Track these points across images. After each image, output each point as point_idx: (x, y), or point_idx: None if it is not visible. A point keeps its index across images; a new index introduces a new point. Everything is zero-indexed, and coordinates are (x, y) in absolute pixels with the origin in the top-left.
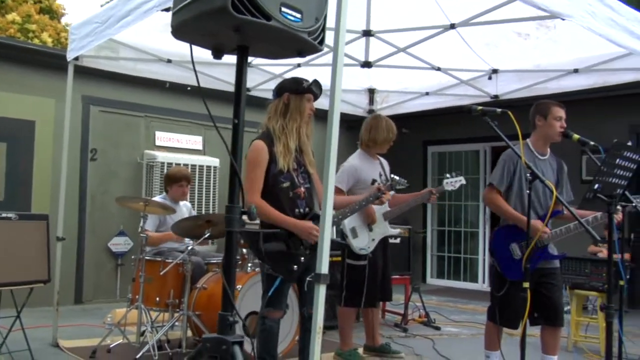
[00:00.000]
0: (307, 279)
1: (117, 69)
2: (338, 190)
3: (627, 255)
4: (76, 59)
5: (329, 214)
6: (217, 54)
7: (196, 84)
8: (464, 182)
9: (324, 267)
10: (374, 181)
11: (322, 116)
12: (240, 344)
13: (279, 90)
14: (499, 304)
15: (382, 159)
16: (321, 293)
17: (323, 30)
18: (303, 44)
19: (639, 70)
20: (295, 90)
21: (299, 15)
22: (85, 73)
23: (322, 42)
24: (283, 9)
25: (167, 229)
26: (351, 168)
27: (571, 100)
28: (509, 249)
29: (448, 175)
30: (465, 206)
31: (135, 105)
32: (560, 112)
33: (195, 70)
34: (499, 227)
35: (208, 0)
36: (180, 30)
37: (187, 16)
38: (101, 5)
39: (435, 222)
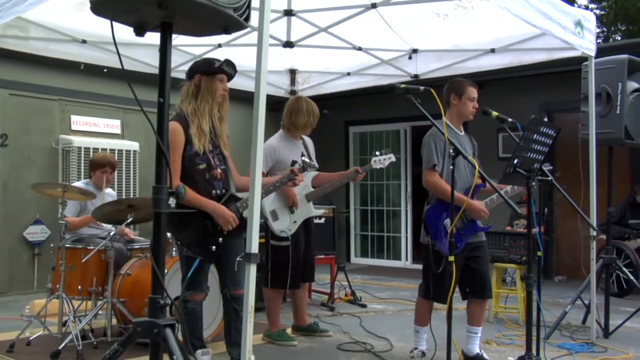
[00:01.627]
0: (237, 259)
1: (28, 49)
2: None
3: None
4: None
5: (257, 197)
6: (140, 31)
7: (113, 65)
8: (393, 159)
9: (254, 247)
10: (294, 162)
11: (243, 98)
12: (172, 326)
13: (191, 72)
14: (434, 280)
15: (306, 139)
16: (252, 272)
17: (248, 6)
18: (228, 20)
19: (551, 50)
20: (206, 72)
21: None
22: None
23: (247, 18)
24: None
25: (88, 214)
26: (270, 148)
27: (487, 80)
28: (443, 224)
29: (377, 153)
30: (387, 185)
31: (48, 88)
32: (474, 93)
33: (118, 51)
34: (431, 206)
35: None
36: (100, 6)
37: None
38: None
39: (358, 201)
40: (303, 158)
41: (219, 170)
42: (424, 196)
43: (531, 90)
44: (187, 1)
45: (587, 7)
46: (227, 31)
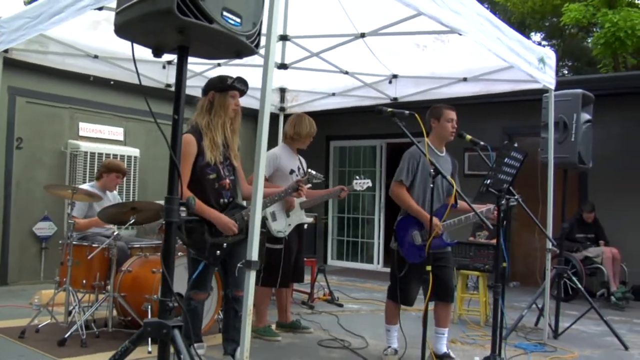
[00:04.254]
0: (238, 265)
1: (46, 62)
2: None
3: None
4: (5, 51)
5: (258, 206)
6: (157, 53)
7: (119, 78)
8: (370, 184)
9: (254, 254)
10: (292, 171)
11: (245, 113)
12: (180, 327)
13: (206, 89)
14: (399, 284)
15: (300, 157)
16: (251, 278)
17: (259, 34)
18: (241, 46)
19: (516, 82)
20: (219, 88)
21: (238, 20)
22: (12, 65)
23: (258, 45)
24: (224, 13)
25: (93, 215)
26: (272, 155)
27: (460, 104)
28: (411, 235)
29: (357, 177)
30: (363, 195)
31: (60, 97)
32: (452, 115)
33: (137, 70)
34: (403, 217)
35: (153, 1)
36: (123, 29)
37: (131, 16)
38: (25, 3)
39: (336, 209)
40: (309, 170)
41: (227, 181)
42: (396, 206)
43: (496, 115)
44: (205, 28)
45: (540, 43)
46: (239, 56)
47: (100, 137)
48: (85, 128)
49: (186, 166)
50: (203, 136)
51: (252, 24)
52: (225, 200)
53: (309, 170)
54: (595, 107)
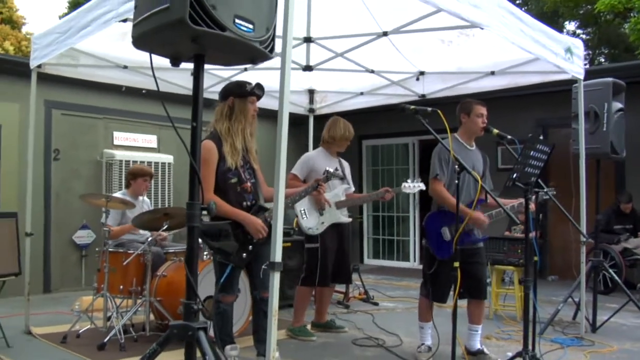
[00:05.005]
0: (263, 267)
1: (77, 75)
2: (294, 177)
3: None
4: (39, 66)
5: (280, 208)
6: (175, 62)
7: (150, 88)
8: (423, 187)
9: (277, 256)
10: (326, 171)
11: (268, 115)
12: (205, 329)
13: (225, 94)
14: (430, 281)
15: (343, 161)
16: (276, 280)
17: (273, 39)
18: (255, 52)
19: (544, 73)
20: (239, 94)
21: (251, 26)
22: (47, 79)
23: (272, 50)
24: (237, 21)
25: (127, 222)
26: (306, 158)
27: (488, 99)
28: (440, 231)
29: (408, 180)
30: (397, 193)
31: (94, 108)
32: (482, 110)
33: (154, 76)
34: (432, 213)
35: (167, 13)
36: (140, 41)
37: (147, 28)
38: (59, 17)
39: (371, 208)
40: (327, 168)
41: (248, 184)
42: (430, 204)
43: (528, 108)
44: (218, 36)
45: (574, 32)
46: (254, 62)
47: (135, 145)
48: (120, 137)
49: (210, 172)
50: (223, 142)
51: (265, 29)
52: (248, 203)
53: (327, 168)
54: (629, 95)
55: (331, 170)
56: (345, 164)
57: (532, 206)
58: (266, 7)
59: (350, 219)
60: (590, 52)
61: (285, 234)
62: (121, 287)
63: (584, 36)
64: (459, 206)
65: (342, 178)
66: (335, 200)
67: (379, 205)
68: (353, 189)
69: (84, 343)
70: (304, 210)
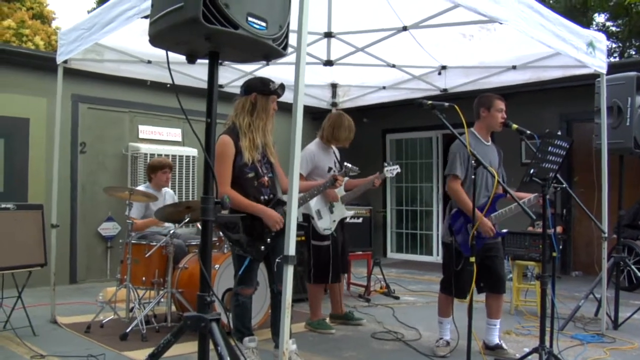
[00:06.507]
0: (277, 260)
1: (103, 69)
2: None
3: (559, 229)
4: (65, 61)
5: (294, 202)
6: (191, 59)
7: (174, 83)
8: (399, 170)
9: (291, 250)
10: (329, 169)
11: (288, 108)
12: (217, 320)
13: (248, 89)
14: (455, 277)
15: (335, 150)
16: (289, 273)
17: (286, 36)
18: (268, 50)
19: (566, 68)
20: (262, 91)
21: (264, 24)
22: (73, 74)
23: (285, 47)
24: (249, 19)
25: (150, 214)
26: (310, 154)
27: (510, 93)
28: (466, 228)
29: (386, 164)
30: (421, 187)
31: (119, 102)
32: (502, 105)
33: (170, 73)
34: (456, 210)
35: (181, 11)
36: (157, 39)
37: (162, 26)
38: (88, 12)
39: (394, 202)
40: (345, 163)
41: (266, 178)
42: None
43: (552, 102)
44: (232, 34)
45: (604, 25)
46: (268, 58)
47: (160, 138)
48: (145, 130)
49: (227, 167)
50: (241, 136)
51: (279, 27)
52: (266, 197)
53: (345, 163)
54: None
55: (349, 165)
56: (336, 151)
57: (539, 201)
58: (279, 4)
59: (352, 212)
60: (620, 44)
61: (301, 227)
62: (144, 278)
63: (614, 28)
64: (475, 203)
65: (357, 173)
66: (340, 195)
67: (402, 199)
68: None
69: (107, 333)
70: (318, 210)
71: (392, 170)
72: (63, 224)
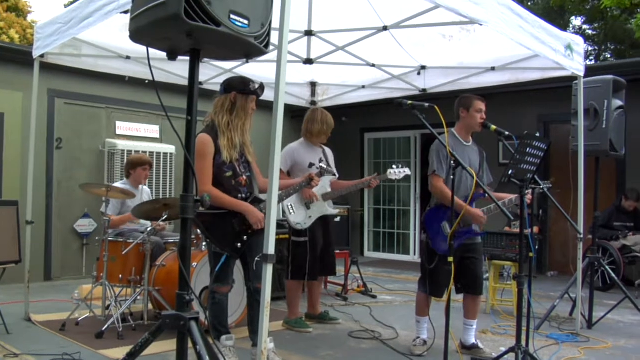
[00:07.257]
0: (256, 258)
1: (80, 65)
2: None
3: (536, 229)
4: (42, 56)
5: (274, 201)
6: (172, 56)
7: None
8: (409, 173)
9: (270, 248)
10: (311, 164)
11: (266, 106)
12: (196, 319)
13: (228, 87)
14: (429, 275)
15: (326, 149)
16: (269, 272)
17: (268, 35)
18: (250, 48)
19: (544, 70)
20: (242, 91)
21: (246, 22)
22: (50, 68)
23: (267, 45)
24: (232, 16)
25: (127, 211)
26: (289, 150)
27: (489, 94)
28: (440, 226)
29: (393, 167)
30: (398, 187)
31: (97, 97)
32: (481, 106)
33: (151, 69)
34: (431, 207)
35: (162, 7)
36: (137, 35)
37: (143, 22)
38: (65, 5)
39: (372, 201)
40: (321, 164)
41: (244, 177)
42: (430, 198)
43: (530, 104)
44: (213, 31)
45: (580, 28)
46: (249, 56)
47: (137, 135)
48: (122, 127)
49: (207, 165)
50: (220, 135)
51: (261, 25)
52: (243, 196)
53: (321, 164)
54: (632, 92)
55: (324, 165)
56: (329, 152)
57: (529, 198)
58: (261, 2)
59: (336, 210)
60: (596, 47)
61: (280, 226)
62: (120, 276)
63: (590, 32)
64: (454, 202)
65: (334, 175)
66: (321, 192)
67: (380, 198)
68: (337, 176)
69: (82, 331)
70: (290, 205)
71: (398, 172)
72: (38, 220)
